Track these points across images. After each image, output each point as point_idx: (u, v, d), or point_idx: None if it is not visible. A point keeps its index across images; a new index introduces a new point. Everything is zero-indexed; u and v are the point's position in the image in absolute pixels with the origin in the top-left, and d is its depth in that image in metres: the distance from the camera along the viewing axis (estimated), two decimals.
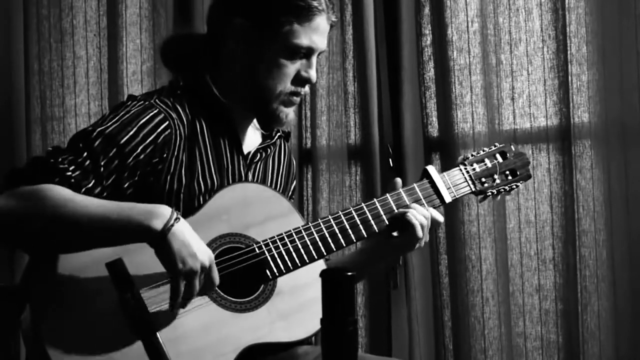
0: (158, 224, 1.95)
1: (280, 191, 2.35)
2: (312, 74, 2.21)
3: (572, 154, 3.16)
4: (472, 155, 2.38)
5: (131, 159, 2.06)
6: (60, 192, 1.96)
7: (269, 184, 2.32)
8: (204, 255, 1.99)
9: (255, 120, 2.32)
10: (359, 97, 3.32)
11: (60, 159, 2.01)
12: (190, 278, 1.98)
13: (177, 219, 1.97)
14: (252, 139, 2.31)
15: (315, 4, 2.17)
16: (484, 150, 2.39)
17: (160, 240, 1.95)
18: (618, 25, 3.12)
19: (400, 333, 3.25)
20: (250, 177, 2.27)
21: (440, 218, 2.29)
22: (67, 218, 1.95)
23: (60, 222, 1.96)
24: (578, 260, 3.16)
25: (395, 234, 2.26)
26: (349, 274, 1.64)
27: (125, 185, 2.08)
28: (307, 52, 2.19)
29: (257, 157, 2.29)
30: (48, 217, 1.95)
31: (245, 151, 2.27)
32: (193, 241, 1.98)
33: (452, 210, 3.22)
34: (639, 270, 3.12)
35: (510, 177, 2.40)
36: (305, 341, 2.18)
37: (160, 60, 2.35)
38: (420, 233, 2.23)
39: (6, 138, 3.46)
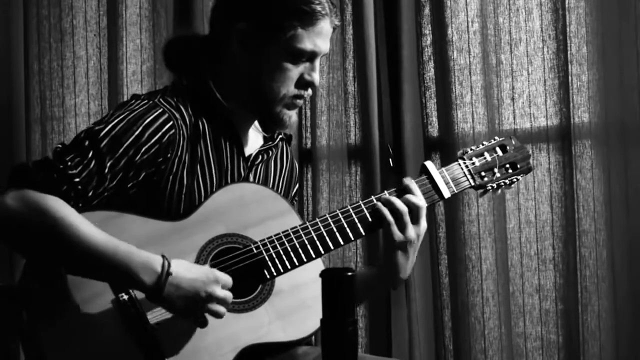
0: (149, 280, 1.96)
1: (282, 194, 2.35)
2: (316, 77, 2.20)
3: (572, 154, 3.16)
4: (471, 150, 2.34)
5: (137, 158, 2.07)
6: (66, 216, 1.96)
7: (270, 187, 2.32)
8: (209, 284, 2.01)
9: (256, 122, 2.32)
10: (359, 97, 3.32)
11: (68, 162, 2.00)
12: (208, 311, 2.01)
13: (168, 273, 1.97)
14: (254, 141, 2.31)
15: (318, 8, 2.17)
16: (483, 144, 2.36)
17: (157, 297, 1.97)
18: (618, 25, 3.12)
19: (400, 333, 3.24)
20: (251, 179, 2.26)
21: (420, 202, 2.21)
22: (65, 247, 1.96)
23: (58, 248, 1.97)
24: (578, 260, 3.16)
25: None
26: (349, 274, 1.64)
27: (129, 185, 2.08)
28: (310, 56, 2.19)
29: (259, 159, 2.29)
30: (48, 240, 1.96)
31: (247, 153, 2.26)
32: (192, 282, 2.00)
33: (452, 210, 3.22)
34: (639, 270, 3.11)
35: (510, 171, 2.37)
36: (305, 341, 2.17)
37: (162, 60, 2.34)
38: (390, 218, 2.19)
39: (6, 138, 3.46)
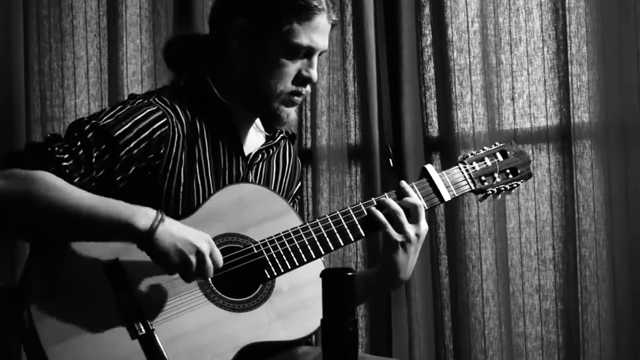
0: (143, 223, 1.96)
1: (284, 192, 2.36)
2: (313, 73, 2.21)
3: (572, 154, 3.16)
4: (472, 154, 2.37)
5: (123, 152, 2.07)
6: (53, 180, 1.97)
7: (272, 185, 2.32)
8: (200, 240, 2.00)
9: (257, 122, 2.32)
10: (359, 97, 3.32)
11: (56, 147, 2.02)
12: (187, 268, 1.99)
13: (162, 219, 1.97)
14: (254, 140, 2.31)
15: (315, 3, 2.17)
16: (484, 149, 2.39)
17: (148, 240, 1.96)
18: (618, 25, 3.12)
19: (400, 333, 3.24)
20: (251, 178, 2.27)
21: (416, 201, 2.23)
22: (56, 206, 1.95)
23: (49, 209, 1.96)
24: (578, 260, 3.16)
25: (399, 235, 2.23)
26: (349, 274, 1.64)
27: (118, 179, 2.09)
28: (307, 52, 2.19)
29: (259, 158, 2.29)
30: (37, 203, 1.96)
31: (247, 152, 2.27)
32: (184, 232, 1.99)
33: (452, 210, 3.22)
34: (639, 270, 3.12)
35: (510, 176, 2.38)
36: (304, 340, 2.18)
37: (162, 61, 2.35)
38: (384, 221, 2.20)
39: (6, 138, 3.46)
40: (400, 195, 2.24)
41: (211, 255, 2.01)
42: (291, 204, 2.38)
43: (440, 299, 3.25)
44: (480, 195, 2.37)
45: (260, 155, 2.29)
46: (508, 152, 2.39)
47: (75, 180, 2.02)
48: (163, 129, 2.12)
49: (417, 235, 2.22)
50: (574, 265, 3.16)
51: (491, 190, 2.36)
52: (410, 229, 2.21)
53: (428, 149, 3.29)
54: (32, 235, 2.03)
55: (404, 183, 2.26)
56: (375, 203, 2.23)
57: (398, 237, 2.20)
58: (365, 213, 2.22)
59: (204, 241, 2.01)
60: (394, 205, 2.21)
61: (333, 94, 3.31)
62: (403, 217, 2.21)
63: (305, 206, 3.34)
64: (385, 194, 2.24)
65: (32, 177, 1.96)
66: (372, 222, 2.21)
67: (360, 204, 2.22)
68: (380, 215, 2.21)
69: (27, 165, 1.98)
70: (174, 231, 1.98)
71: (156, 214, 1.98)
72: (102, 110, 2.12)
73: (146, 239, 1.96)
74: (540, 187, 3.21)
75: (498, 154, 2.38)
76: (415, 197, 2.24)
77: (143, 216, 1.97)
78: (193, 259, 1.99)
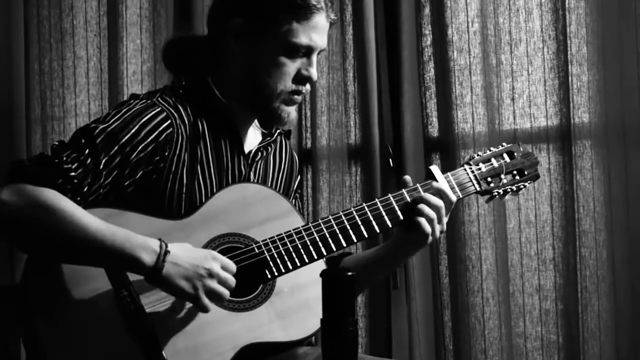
0: (149, 259, 1.97)
1: (283, 188, 2.36)
2: (313, 72, 2.21)
3: (572, 154, 3.16)
4: (478, 155, 2.35)
5: (133, 156, 2.07)
6: (62, 205, 1.96)
7: (270, 182, 2.32)
8: (207, 260, 2.00)
9: (256, 120, 2.33)
10: (359, 97, 3.32)
11: (64, 157, 2.01)
12: (209, 291, 2.00)
13: (166, 252, 1.98)
14: (253, 138, 2.31)
15: (313, 2, 2.18)
16: (490, 150, 2.37)
17: (156, 276, 1.97)
18: (618, 26, 3.12)
19: (400, 333, 3.25)
20: (252, 176, 2.27)
21: (453, 197, 2.25)
22: (63, 234, 1.96)
23: (57, 236, 1.97)
24: (578, 260, 3.15)
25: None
26: (349, 274, 1.64)
27: (126, 183, 2.09)
28: (307, 51, 2.20)
29: (259, 156, 2.29)
30: (46, 229, 1.96)
31: (247, 150, 2.27)
32: (191, 259, 2.00)
33: (453, 210, 3.20)
34: (639, 270, 3.11)
35: (517, 177, 2.37)
36: (305, 341, 2.18)
37: (161, 62, 2.35)
38: (427, 228, 2.21)
39: (6, 138, 3.46)
40: (432, 191, 2.25)
41: (223, 268, 2.02)
42: (293, 201, 2.38)
43: (440, 299, 3.25)
44: (486, 197, 2.36)
45: (259, 154, 2.29)
46: (515, 153, 2.37)
47: (85, 189, 2.02)
48: (168, 131, 2.12)
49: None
50: (574, 265, 3.16)
51: (497, 192, 2.34)
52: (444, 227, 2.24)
53: (428, 149, 3.29)
54: (38, 254, 2.03)
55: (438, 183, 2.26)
56: (408, 197, 2.22)
57: (435, 236, 2.22)
58: (369, 214, 2.20)
59: (210, 260, 2.02)
60: (438, 201, 2.22)
61: (333, 94, 3.31)
62: (443, 212, 2.23)
63: (305, 206, 3.34)
64: (420, 186, 2.23)
65: (42, 199, 1.96)
66: (412, 215, 2.20)
67: (364, 204, 2.22)
68: (432, 212, 2.21)
69: (34, 179, 1.98)
70: (181, 260, 1.99)
71: (159, 247, 1.98)
72: (108, 114, 2.12)
73: (154, 275, 1.98)
74: (540, 187, 3.20)
75: (505, 155, 2.37)
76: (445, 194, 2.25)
77: (148, 251, 1.97)
78: (208, 282, 2.00)
